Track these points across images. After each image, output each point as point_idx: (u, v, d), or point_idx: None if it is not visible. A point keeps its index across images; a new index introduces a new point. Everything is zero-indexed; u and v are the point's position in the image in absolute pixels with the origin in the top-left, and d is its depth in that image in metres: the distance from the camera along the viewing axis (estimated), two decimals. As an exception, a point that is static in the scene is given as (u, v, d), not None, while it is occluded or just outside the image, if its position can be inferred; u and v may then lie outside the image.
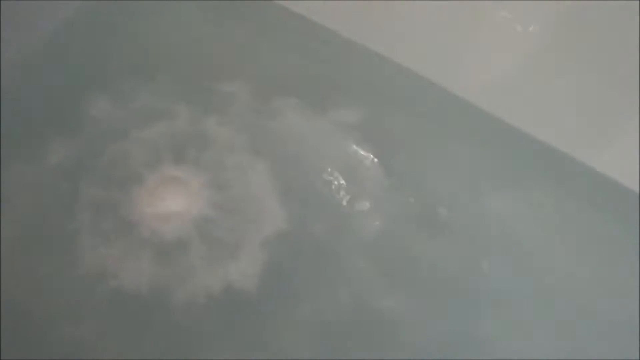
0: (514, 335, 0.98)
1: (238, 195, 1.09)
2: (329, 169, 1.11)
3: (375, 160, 1.12)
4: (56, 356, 0.95)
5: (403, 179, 1.10)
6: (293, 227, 1.06)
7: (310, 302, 1.01)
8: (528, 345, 0.97)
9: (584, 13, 1.09)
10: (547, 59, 1.13)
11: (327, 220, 1.07)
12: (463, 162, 1.12)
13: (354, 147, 1.13)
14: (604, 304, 1.00)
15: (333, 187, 1.10)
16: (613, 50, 1.09)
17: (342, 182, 1.10)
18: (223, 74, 1.18)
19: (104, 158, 1.11)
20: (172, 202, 1.09)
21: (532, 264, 1.04)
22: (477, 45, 1.15)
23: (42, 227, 1.05)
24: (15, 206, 1.05)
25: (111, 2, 1.23)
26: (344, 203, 1.08)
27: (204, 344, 0.97)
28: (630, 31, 1.06)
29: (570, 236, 1.07)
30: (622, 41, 1.08)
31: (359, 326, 0.99)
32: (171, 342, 0.98)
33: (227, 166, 1.11)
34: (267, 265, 1.03)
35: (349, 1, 1.20)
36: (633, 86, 1.07)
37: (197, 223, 1.07)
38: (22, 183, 1.08)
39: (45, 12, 1.12)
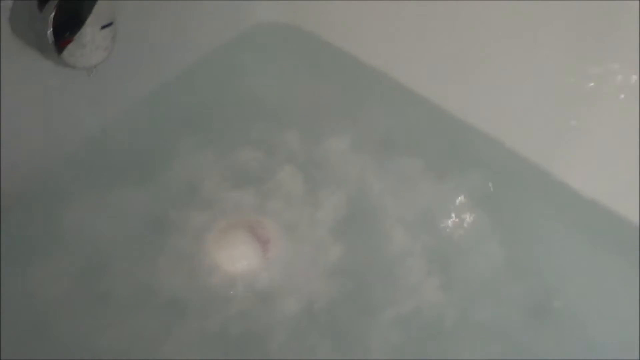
0: None
1: (353, 267, 1.01)
2: (448, 241, 1.06)
3: (496, 239, 1.06)
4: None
5: (522, 264, 1.04)
6: (405, 306, 0.98)
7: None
8: None
9: None
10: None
11: (439, 300, 1.00)
12: (588, 260, 1.05)
13: (475, 220, 1.08)
14: None
15: (449, 260, 1.04)
16: None
17: (459, 257, 1.04)
18: (326, 128, 1.16)
19: (184, 206, 1.05)
20: (263, 273, 0.98)
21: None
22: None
23: (97, 282, 0.98)
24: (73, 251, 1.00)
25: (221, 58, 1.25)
26: (458, 281, 1.02)
27: None
28: None
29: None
30: None
31: None
32: None
33: (336, 228, 1.04)
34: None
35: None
36: None
37: (295, 305, 0.96)
38: (87, 227, 1.02)
39: (151, 72, 1.15)
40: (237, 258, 1.00)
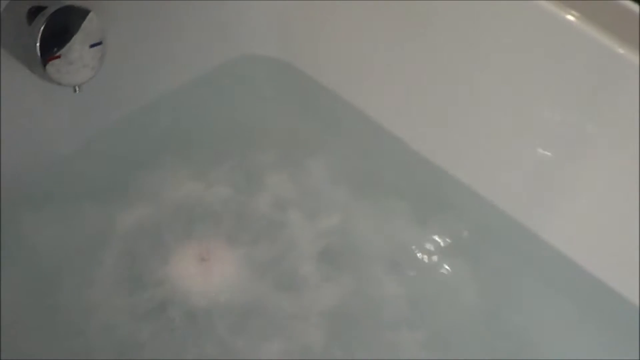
0: None
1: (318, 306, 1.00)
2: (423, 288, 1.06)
3: (475, 293, 1.06)
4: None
5: (500, 323, 1.03)
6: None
7: None
8: None
9: None
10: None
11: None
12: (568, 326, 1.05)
13: (453, 272, 1.08)
14: None
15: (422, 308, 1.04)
16: None
17: (429, 301, 1.04)
18: (302, 161, 1.17)
19: (142, 226, 1.05)
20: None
21: None
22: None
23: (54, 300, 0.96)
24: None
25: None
26: (428, 330, 1.01)
27: None
28: None
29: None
30: None
31: None
32: None
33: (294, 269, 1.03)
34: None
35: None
36: None
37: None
38: (45, 242, 1.01)
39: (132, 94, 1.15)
40: (178, 274, 1.00)
